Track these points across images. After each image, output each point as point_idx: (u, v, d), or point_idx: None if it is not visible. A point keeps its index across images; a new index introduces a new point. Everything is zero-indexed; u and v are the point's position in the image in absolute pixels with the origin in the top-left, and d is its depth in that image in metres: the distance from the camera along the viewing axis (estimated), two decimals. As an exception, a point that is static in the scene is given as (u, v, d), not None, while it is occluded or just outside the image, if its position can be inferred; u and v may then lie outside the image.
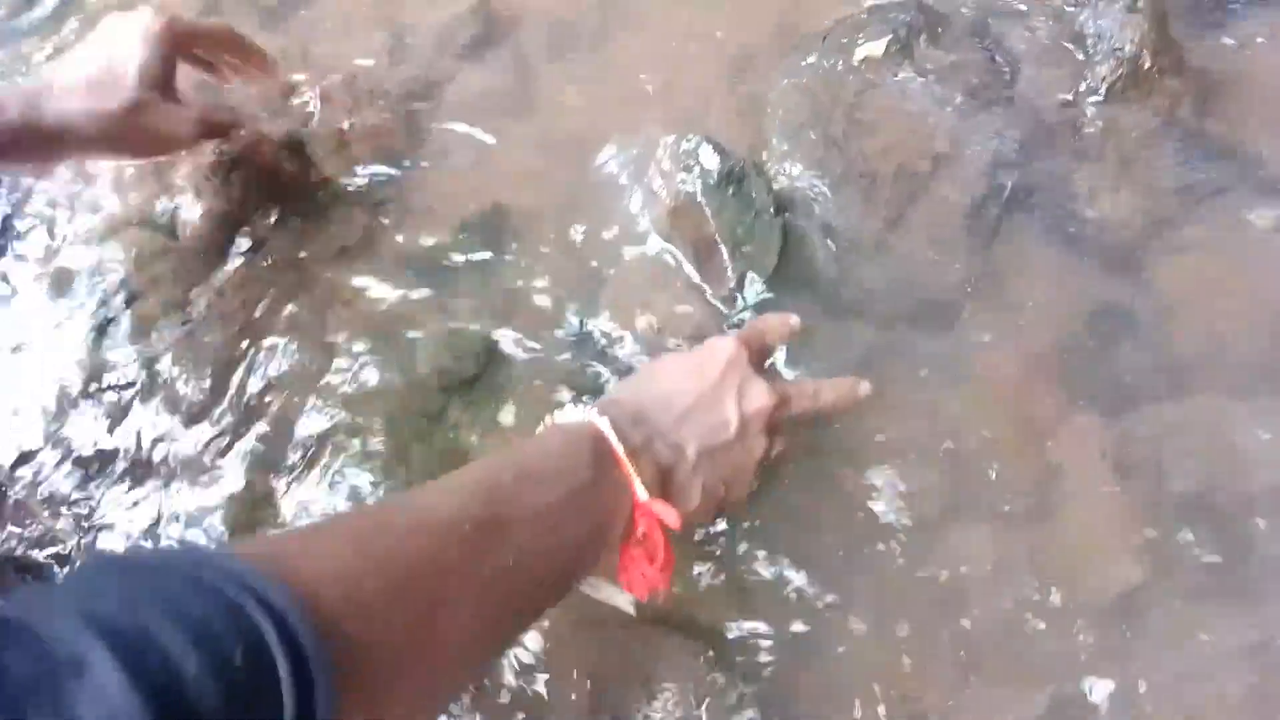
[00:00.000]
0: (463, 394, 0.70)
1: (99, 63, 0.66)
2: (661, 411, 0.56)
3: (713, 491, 0.57)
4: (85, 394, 0.73)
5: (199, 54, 0.74)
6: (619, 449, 0.52)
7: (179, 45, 0.69)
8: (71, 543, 0.68)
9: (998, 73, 0.77)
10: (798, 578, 0.62)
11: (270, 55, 0.78)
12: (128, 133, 0.67)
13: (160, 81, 0.67)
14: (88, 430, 0.72)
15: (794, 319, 0.65)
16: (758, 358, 0.61)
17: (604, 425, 0.53)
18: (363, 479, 0.67)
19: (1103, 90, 0.73)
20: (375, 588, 0.40)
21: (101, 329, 0.75)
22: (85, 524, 0.69)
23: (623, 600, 0.62)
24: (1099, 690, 0.58)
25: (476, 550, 0.45)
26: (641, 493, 0.53)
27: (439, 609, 0.42)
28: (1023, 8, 0.81)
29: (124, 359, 0.73)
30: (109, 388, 0.73)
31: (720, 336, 0.62)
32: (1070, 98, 0.75)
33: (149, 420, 0.72)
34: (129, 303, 0.75)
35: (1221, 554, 0.62)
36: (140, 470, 0.71)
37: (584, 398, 0.66)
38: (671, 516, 0.52)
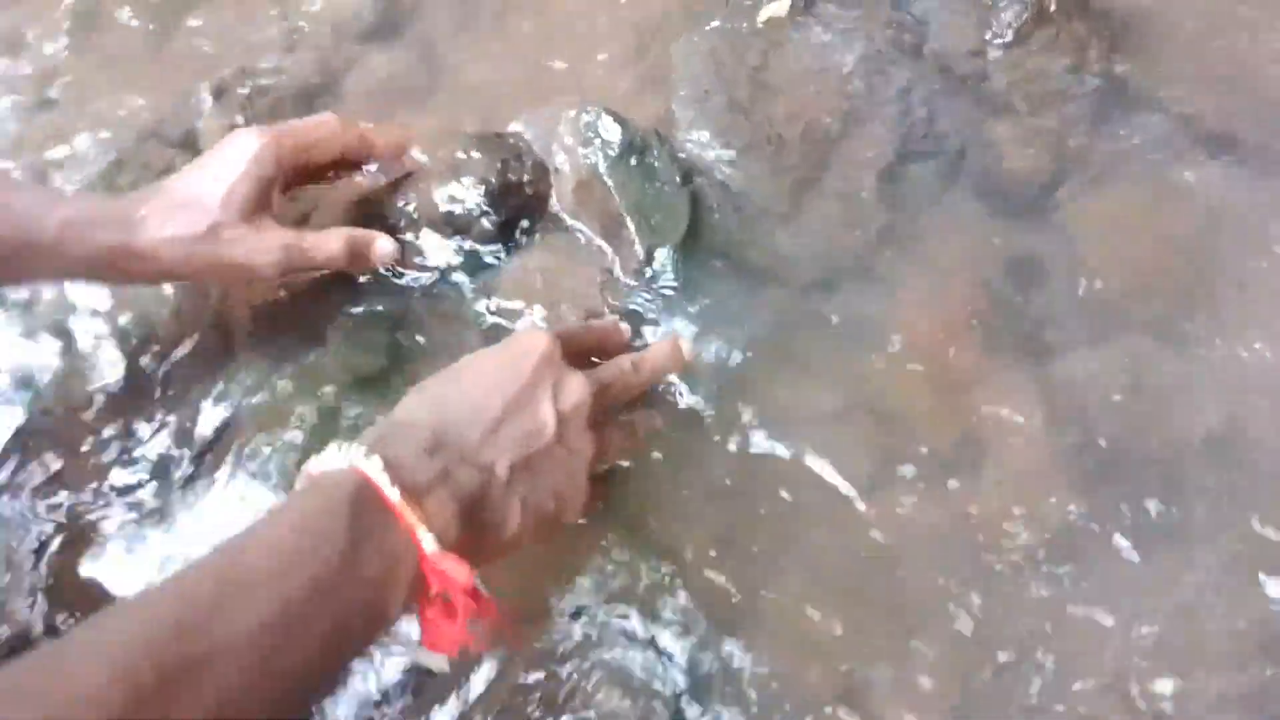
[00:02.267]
0: (373, 390, 0.67)
1: (193, 186, 0.61)
2: (467, 426, 0.50)
3: (540, 507, 0.51)
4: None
5: (317, 163, 0.67)
6: (392, 497, 0.44)
7: (282, 163, 0.63)
8: None
9: (905, 26, 0.76)
10: (724, 553, 0.61)
11: (403, 132, 0.70)
12: (208, 259, 0.61)
13: (248, 206, 0.61)
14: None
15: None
16: (574, 353, 0.56)
17: (372, 469, 0.44)
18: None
19: (1009, 35, 0.72)
20: None
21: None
22: None
23: (433, 661, 0.56)
24: (1036, 645, 0.57)
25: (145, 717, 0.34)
26: (429, 544, 0.44)
27: None
28: (929, -44, 0.80)
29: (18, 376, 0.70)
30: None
31: (531, 330, 0.57)
32: (978, 46, 0.74)
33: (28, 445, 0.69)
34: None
35: (1153, 496, 0.61)
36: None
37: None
38: (461, 573, 0.44)
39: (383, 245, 0.66)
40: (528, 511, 0.50)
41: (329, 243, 0.64)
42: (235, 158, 0.61)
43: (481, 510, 0.48)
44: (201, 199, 0.61)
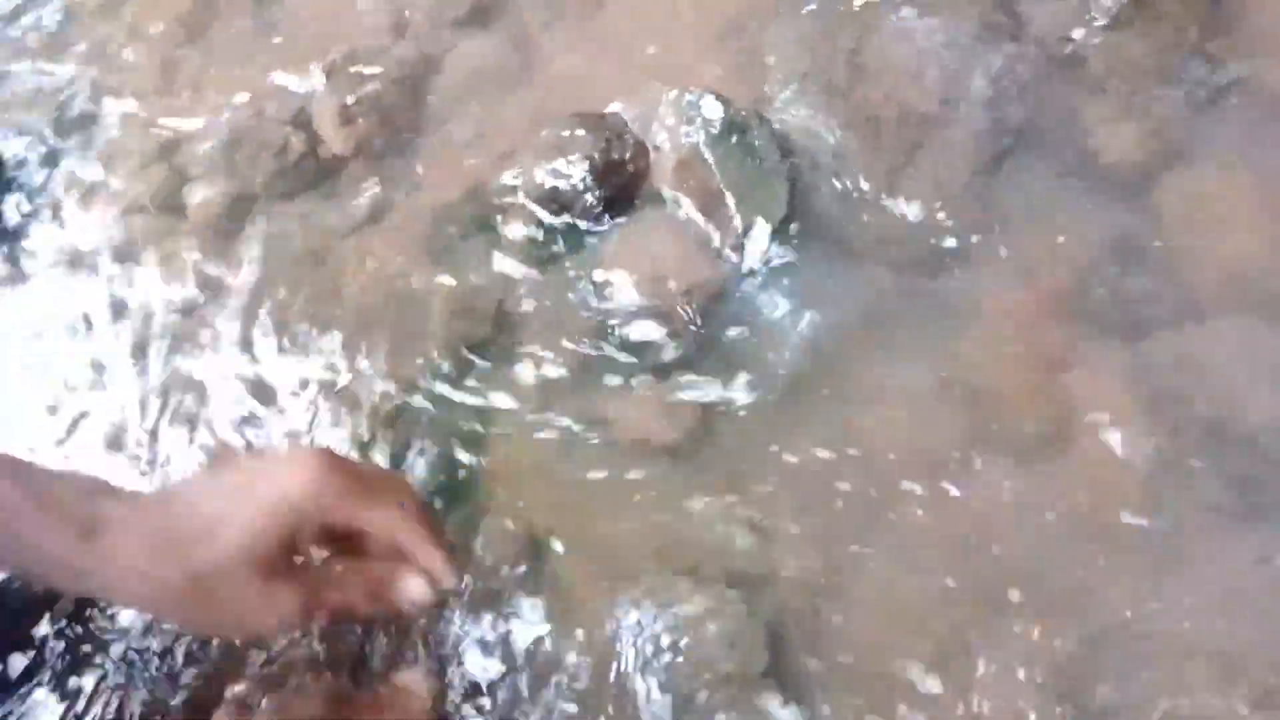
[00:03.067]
0: (480, 353, 0.70)
1: (204, 511, 0.45)
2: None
3: None
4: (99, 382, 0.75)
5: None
6: None
7: (328, 515, 0.45)
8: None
9: (1002, 8, 0.76)
10: (817, 522, 0.62)
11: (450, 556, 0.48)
12: (189, 604, 0.44)
13: (268, 557, 0.44)
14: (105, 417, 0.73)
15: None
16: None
17: None
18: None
19: (1107, 19, 0.72)
20: None
21: (118, 310, 0.76)
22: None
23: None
24: (1130, 619, 0.57)
25: None
26: None
27: None
28: (1026, -60, 0.80)
29: (139, 339, 0.74)
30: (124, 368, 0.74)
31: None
32: (1076, 29, 0.74)
33: (166, 400, 0.73)
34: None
35: (1247, 475, 0.61)
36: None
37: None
38: None
39: (413, 585, 0.47)
40: None
41: (348, 593, 0.47)
42: (271, 490, 0.45)
43: None
44: (199, 533, 0.44)
